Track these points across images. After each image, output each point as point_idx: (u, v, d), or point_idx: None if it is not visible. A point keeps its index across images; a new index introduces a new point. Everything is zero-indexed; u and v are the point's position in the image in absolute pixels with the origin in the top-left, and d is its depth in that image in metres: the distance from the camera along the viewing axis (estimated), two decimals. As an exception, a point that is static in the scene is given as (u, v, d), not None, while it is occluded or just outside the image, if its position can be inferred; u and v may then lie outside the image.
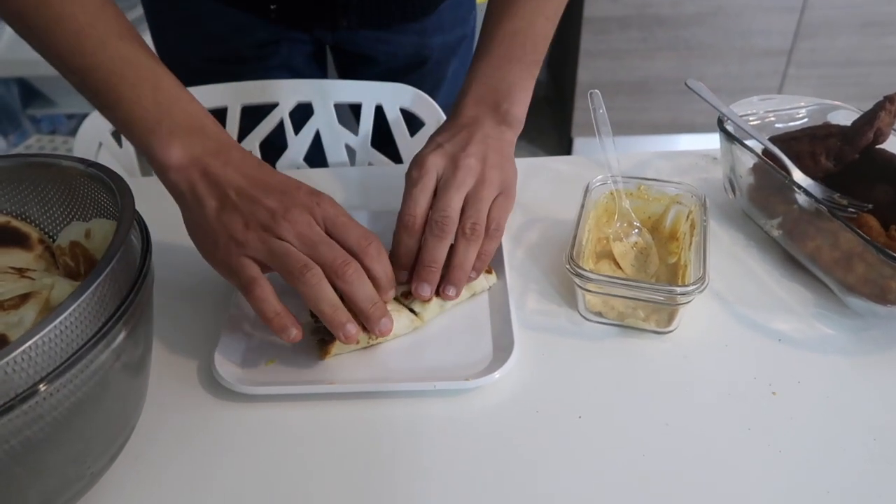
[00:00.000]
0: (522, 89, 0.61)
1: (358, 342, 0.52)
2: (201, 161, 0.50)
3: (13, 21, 0.50)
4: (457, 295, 0.55)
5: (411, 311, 0.55)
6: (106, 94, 0.50)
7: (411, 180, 0.56)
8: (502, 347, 0.53)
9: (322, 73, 0.98)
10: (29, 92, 2.28)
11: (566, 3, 0.65)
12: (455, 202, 0.55)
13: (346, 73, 0.98)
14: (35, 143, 2.04)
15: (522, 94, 0.61)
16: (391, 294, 0.53)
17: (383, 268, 0.51)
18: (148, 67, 0.51)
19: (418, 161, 0.57)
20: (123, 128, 0.51)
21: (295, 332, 0.49)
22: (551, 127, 2.62)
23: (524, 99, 0.61)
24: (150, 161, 0.51)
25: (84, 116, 0.87)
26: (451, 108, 0.62)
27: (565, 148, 2.38)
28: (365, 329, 0.51)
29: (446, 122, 0.61)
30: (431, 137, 0.60)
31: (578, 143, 2.30)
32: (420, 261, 0.54)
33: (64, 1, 0.48)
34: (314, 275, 0.48)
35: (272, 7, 0.84)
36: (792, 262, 0.63)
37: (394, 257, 0.55)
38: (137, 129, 0.50)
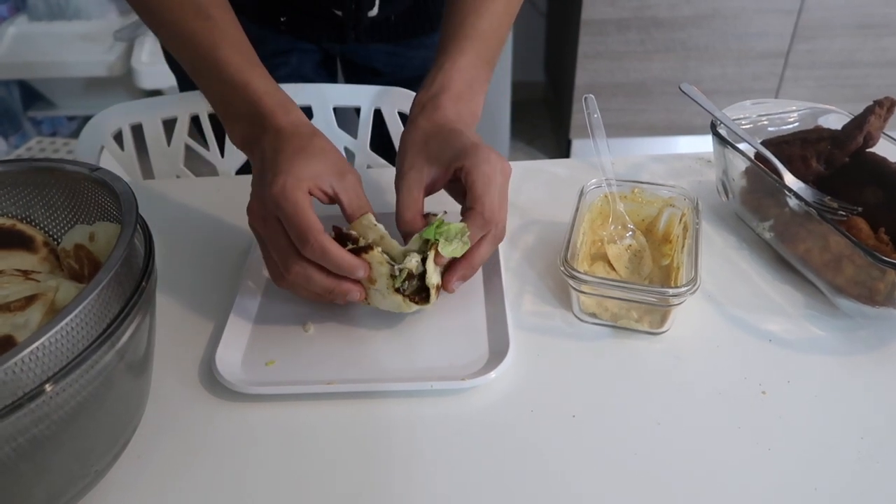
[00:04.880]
0: (484, 93, 0.64)
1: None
2: (249, 148, 0.57)
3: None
4: None
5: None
6: (199, 86, 0.60)
7: (494, 183, 0.53)
8: (498, 348, 0.54)
9: (332, 82, 0.99)
10: (30, 94, 2.29)
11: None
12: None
13: (352, 82, 0.99)
14: (36, 145, 2.04)
15: (483, 98, 0.63)
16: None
17: (335, 263, 0.51)
18: (211, 61, 0.57)
19: (493, 162, 0.54)
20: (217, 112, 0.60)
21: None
22: (549, 129, 2.63)
23: (483, 103, 0.63)
24: None
25: (85, 119, 0.88)
26: (427, 96, 0.60)
27: (563, 150, 2.38)
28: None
29: (428, 113, 0.59)
30: (437, 127, 0.57)
31: (577, 144, 2.31)
32: (471, 262, 0.55)
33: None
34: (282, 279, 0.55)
35: (282, 20, 0.85)
36: (783, 263, 0.64)
37: (475, 259, 0.55)
38: (218, 115, 0.59)
